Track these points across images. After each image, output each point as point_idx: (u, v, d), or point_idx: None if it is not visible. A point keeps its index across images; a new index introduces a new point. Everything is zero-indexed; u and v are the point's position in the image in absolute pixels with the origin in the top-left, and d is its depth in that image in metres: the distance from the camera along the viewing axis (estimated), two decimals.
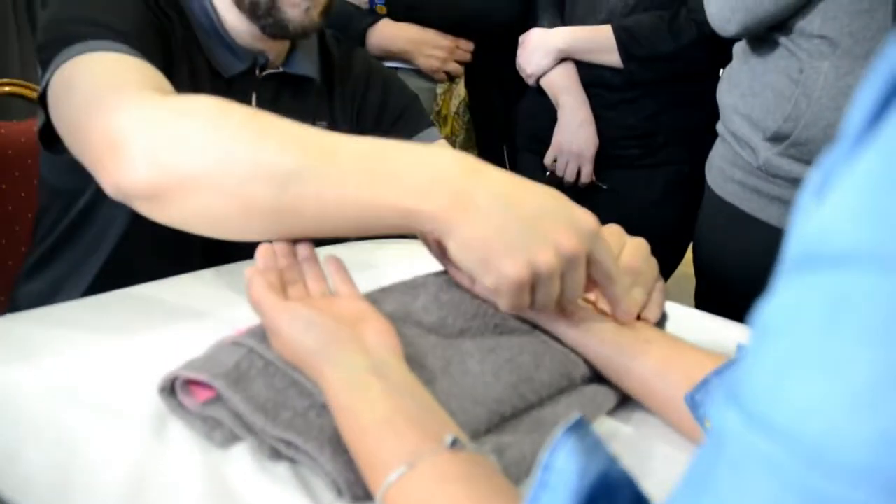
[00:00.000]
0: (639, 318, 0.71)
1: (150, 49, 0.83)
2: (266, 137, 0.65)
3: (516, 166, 1.74)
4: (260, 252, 0.65)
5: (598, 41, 1.51)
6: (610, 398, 0.67)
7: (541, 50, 1.55)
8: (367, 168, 0.63)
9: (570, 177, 1.57)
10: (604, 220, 1.63)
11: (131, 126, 0.67)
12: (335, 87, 1.13)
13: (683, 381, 0.63)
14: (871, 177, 0.24)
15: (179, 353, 0.63)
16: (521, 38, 1.60)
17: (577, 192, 1.57)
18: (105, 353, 0.70)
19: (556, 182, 1.59)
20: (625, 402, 0.68)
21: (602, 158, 1.56)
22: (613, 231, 0.76)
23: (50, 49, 0.81)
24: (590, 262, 0.63)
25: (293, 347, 0.57)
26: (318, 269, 0.67)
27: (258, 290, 0.60)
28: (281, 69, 1.05)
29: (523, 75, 1.61)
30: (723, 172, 1.30)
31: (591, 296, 0.71)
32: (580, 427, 0.39)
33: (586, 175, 1.56)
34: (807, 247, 0.25)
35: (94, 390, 0.64)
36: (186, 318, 0.79)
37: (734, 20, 1.16)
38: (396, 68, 1.63)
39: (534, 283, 0.60)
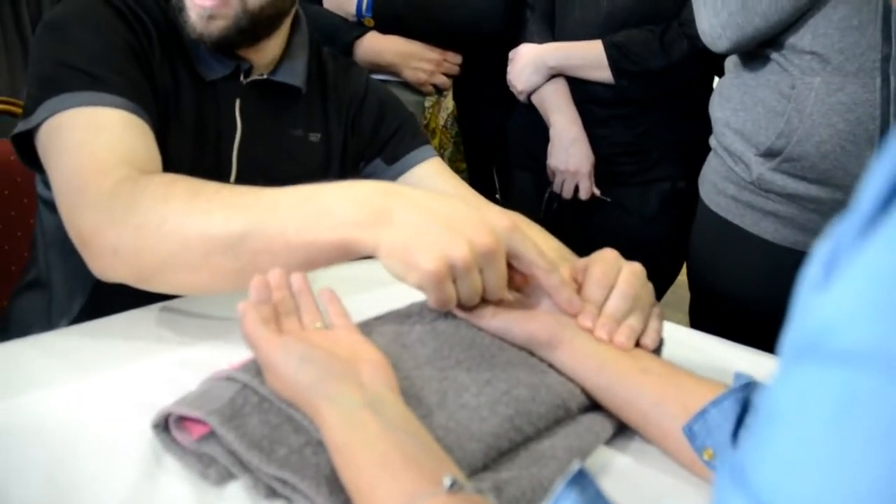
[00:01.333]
0: (637, 344, 0.70)
1: (135, 83, 0.89)
2: (212, 211, 0.72)
3: (509, 182, 1.74)
4: (254, 284, 0.64)
5: (588, 58, 1.50)
6: (607, 427, 0.67)
7: (531, 66, 1.55)
8: (303, 213, 0.71)
9: (567, 194, 1.56)
10: (601, 236, 1.64)
11: (97, 227, 0.75)
12: (329, 100, 1.12)
13: (681, 411, 0.63)
14: (877, 272, 0.24)
15: (175, 381, 0.63)
16: (512, 54, 1.59)
17: (580, 207, 1.57)
18: (98, 384, 0.69)
19: (557, 199, 1.59)
20: (622, 430, 0.68)
21: (596, 175, 1.55)
22: (609, 257, 0.76)
23: (39, 91, 0.86)
24: (513, 256, 0.69)
25: (288, 383, 0.57)
26: (312, 300, 0.67)
27: (251, 325, 0.60)
28: (266, 76, 1.04)
29: (514, 91, 1.60)
30: (715, 186, 1.30)
31: (588, 322, 0.70)
32: (582, 478, 0.39)
33: (585, 191, 1.55)
34: (813, 337, 0.26)
35: (87, 423, 0.63)
36: (182, 344, 0.79)
37: (725, 36, 1.16)
38: (384, 81, 1.63)
39: (455, 278, 0.66)
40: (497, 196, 1.78)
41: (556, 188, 1.58)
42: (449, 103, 1.64)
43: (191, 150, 0.99)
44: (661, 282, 1.68)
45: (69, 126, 0.83)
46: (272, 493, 0.55)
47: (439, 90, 1.63)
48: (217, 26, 0.94)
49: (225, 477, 0.57)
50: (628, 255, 1.57)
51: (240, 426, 0.56)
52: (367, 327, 0.68)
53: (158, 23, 0.96)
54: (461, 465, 0.54)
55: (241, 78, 1.02)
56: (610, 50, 1.47)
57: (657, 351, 0.72)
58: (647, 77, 1.48)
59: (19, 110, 1.41)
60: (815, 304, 0.26)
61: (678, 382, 0.65)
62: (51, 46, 0.90)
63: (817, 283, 0.27)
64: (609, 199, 1.56)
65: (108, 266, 0.76)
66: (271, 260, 0.70)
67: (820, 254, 0.28)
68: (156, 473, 0.57)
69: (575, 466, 0.39)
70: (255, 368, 0.61)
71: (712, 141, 1.32)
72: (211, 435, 0.57)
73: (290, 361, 0.56)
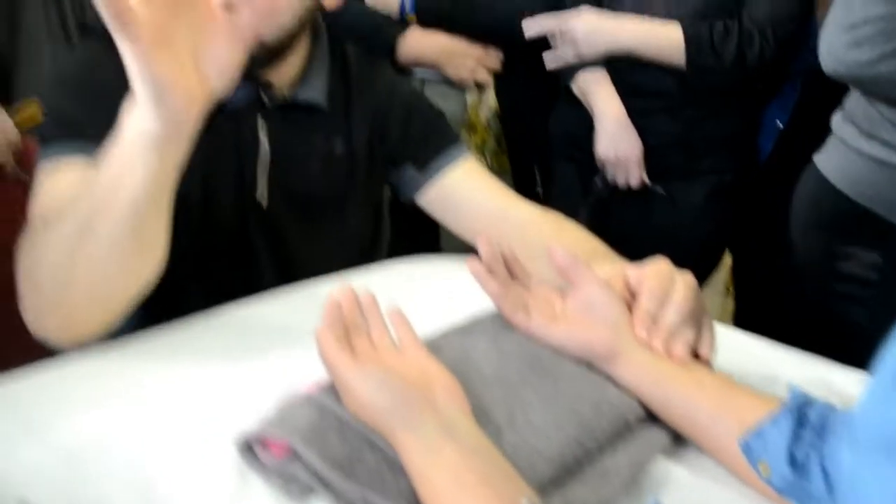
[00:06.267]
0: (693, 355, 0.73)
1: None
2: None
3: (550, 175, 1.75)
4: (326, 306, 0.67)
5: (665, 44, 1.46)
6: (664, 438, 0.69)
7: (601, 34, 1.50)
8: None
9: (621, 182, 1.56)
10: (645, 228, 1.64)
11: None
12: (353, 107, 1.11)
13: (737, 425, 0.65)
14: None
15: (251, 394, 0.67)
16: (574, 18, 1.53)
17: (624, 199, 1.58)
18: (180, 398, 0.73)
19: (605, 188, 1.60)
20: (678, 441, 0.71)
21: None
22: (663, 268, 0.78)
23: (41, 138, 0.93)
24: None
25: (365, 407, 0.60)
26: (380, 316, 0.70)
27: (329, 350, 0.63)
28: (287, 98, 1.04)
29: (567, 51, 1.53)
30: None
31: (644, 335, 0.72)
32: None
33: (635, 179, 1.55)
34: None
35: (173, 439, 0.67)
36: (250, 353, 0.82)
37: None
38: (426, 79, 1.66)
39: None
40: (538, 189, 1.80)
41: (609, 179, 1.58)
42: (491, 100, 1.67)
43: (214, 179, 1.01)
44: (702, 273, 1.70)
45: (39, 181, 0.89)
46: None
47: (481, 86, 1.65)
48: None
49: (307, 492, 0.60)
50: (672, 247, 1.59)
51: (321, 447, 0.59)
52: (434, 345, 0.71)
53: None
54: (531, 484, 0.57)
55: (263, 101, 1.03)
56: (690, 40, 1.44)
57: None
58: (718, 73, 1.46)
59: None
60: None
61: (734, 396, 0.68)
62: (48, 100, 0.98)
63: None
64: (661, 191, 1.56)
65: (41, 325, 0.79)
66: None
67: None
68: (243, 488, 0.61)
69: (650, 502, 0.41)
70: (332, 389, 0.64)
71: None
72: (293, 455, 0.60)
73: (368, 387, 0.60)
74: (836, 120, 1.26)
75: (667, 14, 1.48)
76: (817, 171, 1.27)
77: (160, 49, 0.64)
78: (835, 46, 1.11)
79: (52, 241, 0.75)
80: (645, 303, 0.74)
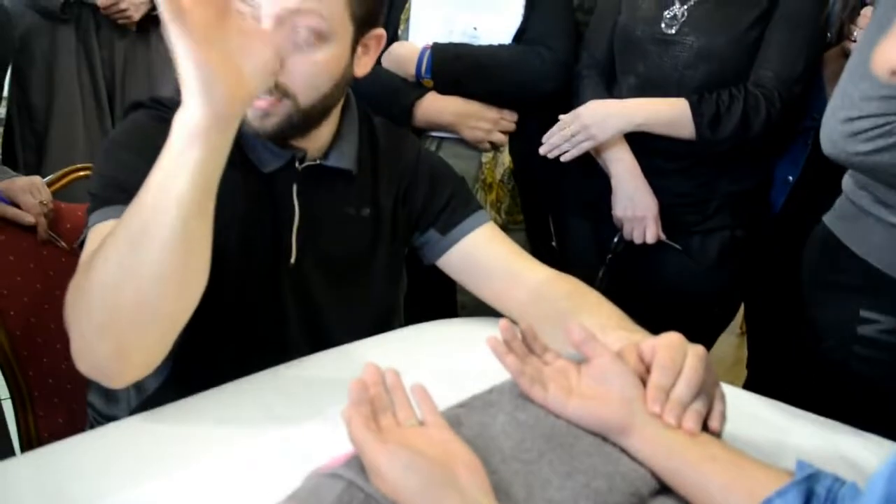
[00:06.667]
0: (704, 426, 0.76)
1: None
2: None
3: (565, 231, 1.79)
4: (353, 386, 0.71)
5: (674, 117, 1.51)
6: None
7: (616, 119, 1.56)
8: None
9: (638, 239, 1.60)
10: (662, 284, 1.67)
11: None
12: (380, 174, 1.17)
13: (747, 498, 0.68)
14: None
15: (279, 465, 0.71)
16: (583, 108, 1.59)
17: (640, 254, 1.62)
18: (210, 469, 0.77)
19: (624, 247, 1.63)
20: None
21: None
22: (675, 342, 0.80)
23: (91, 203, 0.98)
24: None
25: (393, 487, 0.63)
26: (405, 396, 0.74)
27: (357, 430, 0.67)
28: (319, 162, 1.10)
29: (585, 139, 1.58)
30: None
31: (657, 408, 0.75)
32: None
33: (652, 235, 1.58)
34: None
35: None
36: (274, 423, 0.86)
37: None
38: (442, 138, 1.70)
39: None
40: (553, 244, 1.83)
41: (626, 236, 1.61)
42: (505, 158, 1.70)
43: (247, 236, 1.06)
44: (715, 329, 1.72)
45: (90, 239, 0.93)
46: None
47: (496, 146, 1.70)
48: (271, 123, 1.00)
49: None
50: (687, 300, 1.61)
51: None
52: (455, 418, 0.75)
53: None
54: None
55: (297, 165, 1.08)
56: (697, 112, 1.49)
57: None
58: (726, 141, 1.51)
59: None
60: None
61: (745, 469, 0.71)
62: (101, 163, 1.01)
63: None
64: (678, 246, 1.60)
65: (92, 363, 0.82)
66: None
67: None
68: None
69: None
70: (358, 465, 0.67)
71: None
72: None
73: (396, 468, 0.63)
74: (848, 183, 1.28)
75: (677, 83, 1.53)
76: (830, 231, 1.29)
77: (209, 44, 0.70)
78: (834, 135, 1.15)
79: (102, 262, 0.78)
80: (657, 378, 0.77)
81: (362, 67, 1.09)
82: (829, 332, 1.29)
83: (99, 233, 0.92)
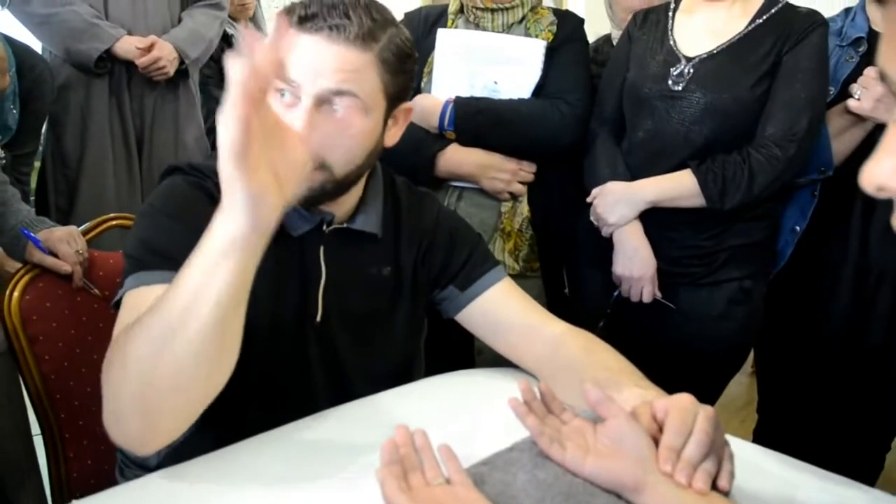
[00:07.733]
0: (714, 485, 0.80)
1: None
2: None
3: (579, 280, 1.84)
4: (385, 447, 0.76)
5: (682, 190, 1.57)
6: None
7: (625, 202, 1.62)
8: None
9: (634, 298, 1.65)
10: (668, 336, 1.71)
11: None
12: (402, 234, 1.21)
13: None
14: None
15: None
16: (597, 191, 1.67)
17: (644, 310, 1.66)
18: None
19: (624, 301, 1.68)
20: None
21: (664, 277, 1.63)
22: (686, 404, 0.84)
23: (126, 266, 1.00)
24: None
25: None
26: (433, 457, 0.79)
27: (391, 491, 0.72)
28: (345, 225, 1.14)
29: (602, 225, 1.66)
30: None
31: (669, 468, 0.80)
32: None
33: (648, 295, 1.63)
34: None
35: None
36: (318, 475, 0.88)
37: None
38: (463, 188, 1.76)
39: None
40: (566, 291, 1.88)
41: (623, 293, 1.67)
42: (524, 208, 1.75)
43: (277, 297, 1.10)
44: (723, 377, 1.75)
45: (126, 304, 0.96)
46: None
47: (515, 196, 1.75)
48: (306, 191, 1.03)
49: None
50: (697, 350, 1.64)
51: None
52: (479, 476, 0.79)
53: None
54: None
55: (324, 228, 1.13)
56: (704, 180, 1.54)
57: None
58: (737, 207, 1.56)
59: (129, 223, 1.52)
60: None
61: None
62: (140, 227, 1.05)
63: None
64: (672, 306, 1.65)
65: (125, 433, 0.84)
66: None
67: None
68: None
69: None
70: None
71: None
72: None
73: None
74: None
75: (684, 138, 1.58)
76: None
77: (255, 170, 0.72)
78: None
79: (139, 340, 0.79)
80: (669, 439, 0.81)
81: (391, 138, 1.14)
82: None
83: (134, 299, 0.95)
